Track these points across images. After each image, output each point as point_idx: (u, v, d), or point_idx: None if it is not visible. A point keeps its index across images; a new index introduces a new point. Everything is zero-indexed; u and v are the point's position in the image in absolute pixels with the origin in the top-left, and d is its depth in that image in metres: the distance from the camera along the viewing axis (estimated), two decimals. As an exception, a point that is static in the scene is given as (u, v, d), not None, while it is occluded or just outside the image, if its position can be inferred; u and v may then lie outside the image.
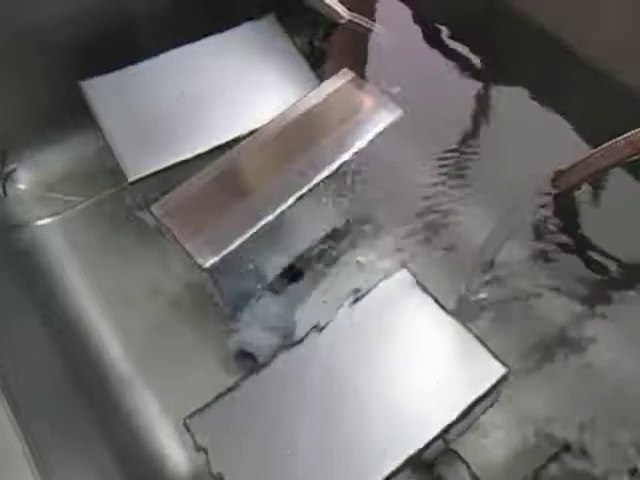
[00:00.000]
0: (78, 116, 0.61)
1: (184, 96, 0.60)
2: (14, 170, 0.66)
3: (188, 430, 0.44)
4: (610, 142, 0.41)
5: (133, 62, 0.62)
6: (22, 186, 0.66)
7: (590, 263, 0.56)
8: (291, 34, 0.64)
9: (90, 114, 0.59)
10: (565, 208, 0.55)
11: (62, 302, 0.59)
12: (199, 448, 0.43)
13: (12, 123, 0.65)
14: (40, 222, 0.64)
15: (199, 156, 0.56)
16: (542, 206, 0.43)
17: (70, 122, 0.66)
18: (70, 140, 0.68)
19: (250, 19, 0.65)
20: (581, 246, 0.56)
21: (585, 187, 0.52)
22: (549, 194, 0.42)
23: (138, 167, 0.56)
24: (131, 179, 0.56)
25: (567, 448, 0.48)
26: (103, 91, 0.61)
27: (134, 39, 0.66)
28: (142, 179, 0.56)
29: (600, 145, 0.40)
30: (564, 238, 0.56)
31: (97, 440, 0.50)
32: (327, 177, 0.51)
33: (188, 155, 0.57)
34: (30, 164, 0.67)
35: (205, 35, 0.64)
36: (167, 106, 0.60)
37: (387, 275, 0.50)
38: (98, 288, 0.60)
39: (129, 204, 0.61)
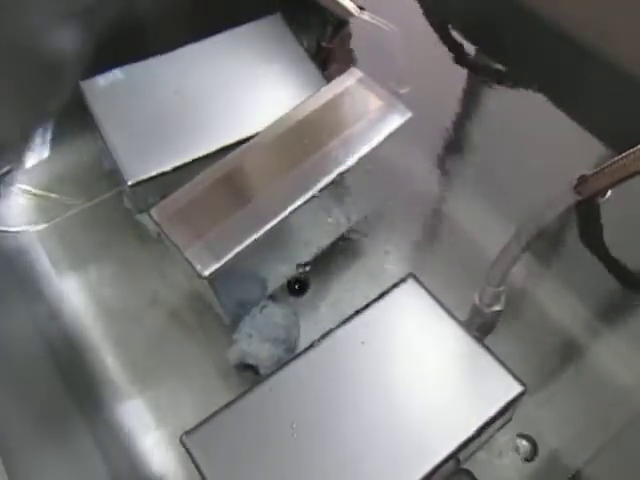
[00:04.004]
0: (77, 117, 0.59)
1: (186, 97, 0.59)
2: (9, 172, 0.65)
3: (185, 447, 0.42)
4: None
5: (135, 61, 0.61)
6: (17, 188, 0.64)
7: (616, 276, 0.54)
8: (297, 33, 0.63)
9: (89, 114, 0.58)
10: (588, 216, 0.53)
11: (57, 310, 0.57)
12: (196, 466, 0.41)
13: (8, 122, 0.64)
14: (36, 227, 0.62)
15: (201, 159, 0.55)
16: (563, 213, 0.41)
17: (68, 123, 0.65)
18: (68, 141, 0.66)
19: (255, 18, 0.64)
20: (605, 257, 0.54)
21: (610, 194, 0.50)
22: (571, 201, 0.40)
23: (138, 170, 0.55)
24: (131, 182, 0.54)
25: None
26: (103, 91, 0.59)
27: (137, 39, 0.65)
28: (142, 182, 0.54)
29: (625, 149, 0.37)
30: (586, 248, 0.54)
31: (88, 454, 0.49)
32: (333, 182, 0.50)
33: (190, 158, 0.55)
34: (26, 165, 0.65)
35: (208, 34, 0.62)
36: (169, 107, 0.58)
37: (395, 284, 0.48)
38: (94, 296, 0.58)
39: (128, 208, 0.59)
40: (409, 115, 0.52)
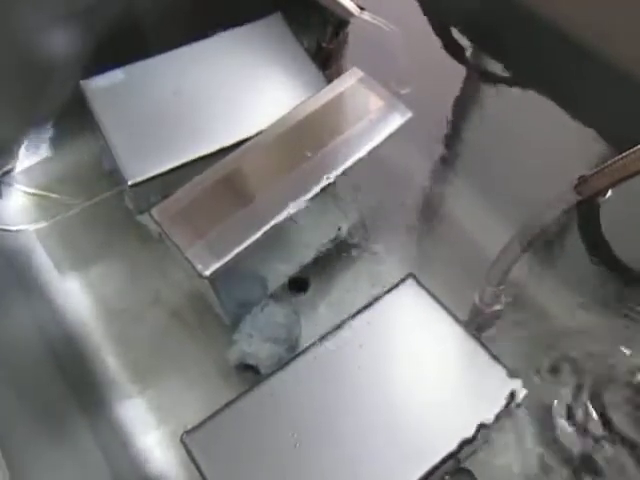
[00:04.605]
0: (77, 117, 0.59)
1: (186, 97, 0.59)
2: (9, 172, 0.65)
3: (185, 446, 0.42)
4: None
5: (135, 61, 0.61)
6: (18, 188, 0.64)
7: (615, 275, 0.54)
8: (297, 33, 0.63)
9: (90, 114, 0.58)
10: (588, 216, 0.53)
11: (58, 309, 0.57)
12: (196, 465, 0.42)
13: (8, 122, 0.64)
14: (36, 225, 0.62)
15: (202, 158, 0.55)
16: (563, 214, 0.41)
17: (68, 123, 0.65)
18: (68, 141, 0.66)
19: (255, 18, 0.64)
20: (604, 256, 0.54)
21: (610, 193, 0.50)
22: (571, 201, 0.41)
23: (138, 170, 0.55)
24: (131, 182, 0.54)
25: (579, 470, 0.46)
26: (103, 91, 0.59)
27: (137, 39, 0.65)
28: (142, 182, 0.54)
29: (625, 149, 0.38)
30: (585, 247, 0.54)
31: (90, 453, 0.49)
32: (333, 181, 0.50)
33: (191, 157, 0.55)
34: (27, 165, 0.65)
35: (208, 34, 0.62)
36: (169, 107, 0.58)
37: (395, 284, 0.48)
38: (95, 296, 0.58)
39: (129, 208, 0.59)
40: (409, 115, 0.52)
